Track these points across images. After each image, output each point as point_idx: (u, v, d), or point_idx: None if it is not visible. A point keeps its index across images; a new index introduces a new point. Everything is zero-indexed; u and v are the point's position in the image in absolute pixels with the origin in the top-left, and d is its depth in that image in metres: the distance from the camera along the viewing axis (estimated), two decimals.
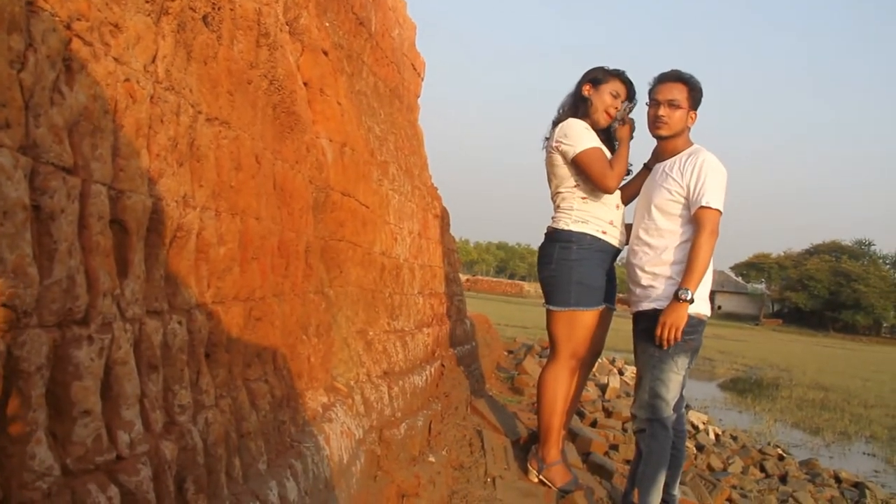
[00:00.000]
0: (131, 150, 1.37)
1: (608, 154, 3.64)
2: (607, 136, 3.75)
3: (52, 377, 1.10)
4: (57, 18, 1.12)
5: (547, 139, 3.76)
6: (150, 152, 1.46)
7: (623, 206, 3.74)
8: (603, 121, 3.68)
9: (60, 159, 1.12)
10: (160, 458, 1.36)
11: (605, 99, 3.67)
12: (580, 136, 3.58)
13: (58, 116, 1.12)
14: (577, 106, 3.71)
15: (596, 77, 3.71)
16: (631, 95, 3.70)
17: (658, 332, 3.23)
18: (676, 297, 3.20)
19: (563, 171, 3.66)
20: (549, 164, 3.72)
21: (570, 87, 3.82)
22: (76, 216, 1.17)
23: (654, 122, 3.44)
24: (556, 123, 3.74)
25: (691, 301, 3.19)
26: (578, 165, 3.58)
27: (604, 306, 3.70)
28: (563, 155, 3.61)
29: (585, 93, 3.70)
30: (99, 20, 1.26)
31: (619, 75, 3.71)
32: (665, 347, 3.25)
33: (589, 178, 3.58)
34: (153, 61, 1.48)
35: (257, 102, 2.17)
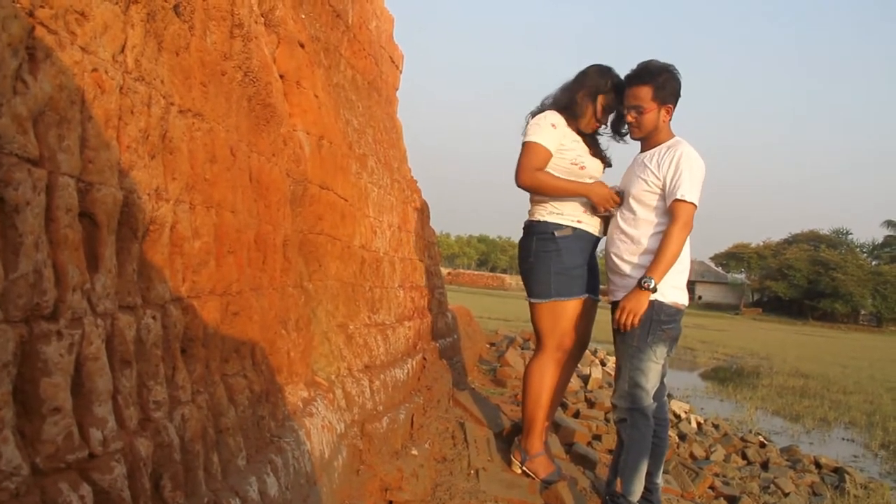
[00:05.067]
0: (100, 141, 1.34)
1: (586, 159, 3.63)
2: (593, 136, 3.74)
3: (19, 374, 1.07)
4: (18, 5, 1.09)
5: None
6: (121, 144, 1.43)
7: None
8: (590, 129, 3.66)
9: (25, 150, 1.09)
10: (135, 455, 1.33)
11: (596, 112, 3.63)
12: (538, 129, 3.58)
13: (21, 106, 1.09)
14: (568, 107, 3.64)
15: (597, 87, 3.60)
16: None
17: (617, 315, 3.32)
18: (639, 285, 3.25)
19: None
20: None
21: (564, 77, 3.76)
22: (42, 209, 1.14)
23: (629, 128, 3.48)
24: (534, 114, 3.72)
25: (653, 290, 3.24)
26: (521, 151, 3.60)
27: (586, 296, 3.69)
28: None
29: (579, 99, 3.63)
30: (63, 8, 1.23)
31: (617, 88, 3.58)
32: (622, 331, 3.31)
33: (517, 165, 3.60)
34: (122, 51, 1.45)
35: (232, 94, 2.14)
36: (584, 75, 3.67)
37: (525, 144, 3.58)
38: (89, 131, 1.30)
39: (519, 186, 3.60)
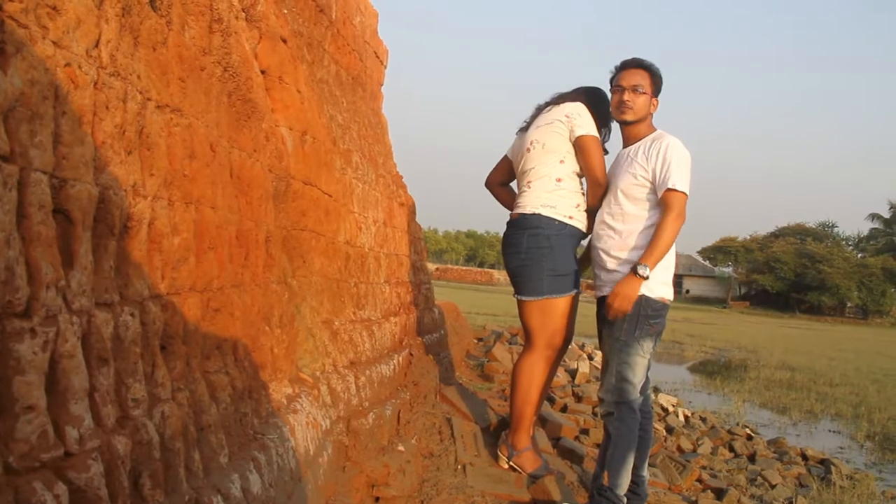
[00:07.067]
0: (74, 137, 1.32)
1: None
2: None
3: None
4: None
5: (541, 110, 3.75)
6: (96, 140, 1.42)
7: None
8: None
9: None
10: (112, 453, 1.32)
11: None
12: (591, 123, 3.60)
13: None
14: (595, 107, 3.68)
15: (606, 118, 3.71)
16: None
17: (609, 300, 3.30)
18: (634, 271, 3.25)
19: (559, 144, 3.61)
20: (543, 136, 3.65)
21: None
22: (14, 205, 1.12)
23: (620, 108, 3.48)
24: (556, 102, 3.71)
25: (646, 277, 3.24)
26: (581, 147, 3.58)
27: (575, 292, 3.69)
28: (571, 130, 3.58)
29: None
30: (34, 2, 1.21)
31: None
32: (612, 318, 3.31)
33: (587, 163, 3.58)
34: (96, 46, 1.43)
35: (211, 90, 2.12)
36: (598, 100, 3.70)
37: (590, 140, 3.59)
38: (63, 127, 1.29)
39: (600, 183, 3.57)
